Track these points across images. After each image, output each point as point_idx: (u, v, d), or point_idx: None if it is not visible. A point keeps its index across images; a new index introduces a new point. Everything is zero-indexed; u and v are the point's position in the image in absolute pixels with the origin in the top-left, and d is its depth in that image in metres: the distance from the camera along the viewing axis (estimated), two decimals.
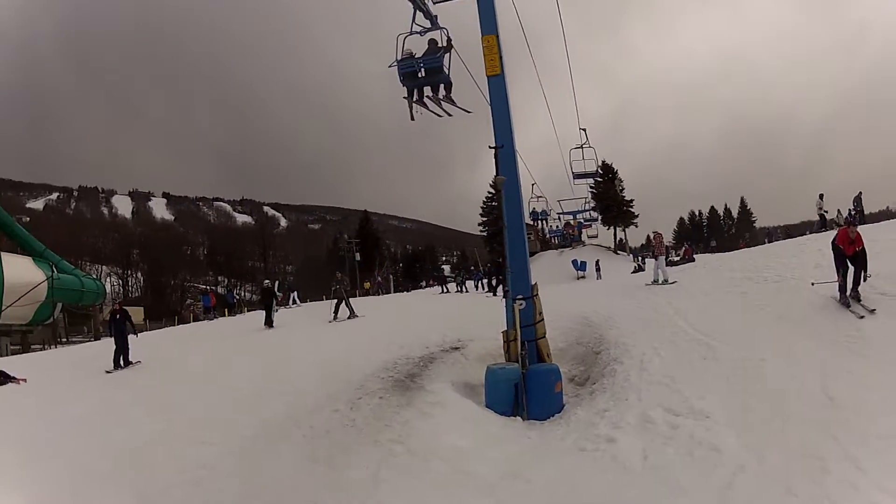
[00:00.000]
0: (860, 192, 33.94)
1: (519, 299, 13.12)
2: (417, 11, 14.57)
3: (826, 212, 34.27)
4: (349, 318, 25.98)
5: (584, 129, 38.60)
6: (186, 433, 11.81)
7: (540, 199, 68.49)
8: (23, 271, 38.37)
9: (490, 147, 13.67)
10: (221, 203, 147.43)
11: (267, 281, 33.46)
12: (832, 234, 16.39)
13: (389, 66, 14.35)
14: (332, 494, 8.87)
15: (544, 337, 13.55)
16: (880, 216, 47.43)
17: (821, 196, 34.29)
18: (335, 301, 26.67)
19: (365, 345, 17.14)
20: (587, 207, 69.63)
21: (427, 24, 14.73)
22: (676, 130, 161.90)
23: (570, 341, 15.81)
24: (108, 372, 19.80)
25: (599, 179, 72.01)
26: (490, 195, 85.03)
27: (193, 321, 49.61)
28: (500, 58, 13.84)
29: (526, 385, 12.18)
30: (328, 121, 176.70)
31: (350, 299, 27.30)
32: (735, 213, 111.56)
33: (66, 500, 9.62)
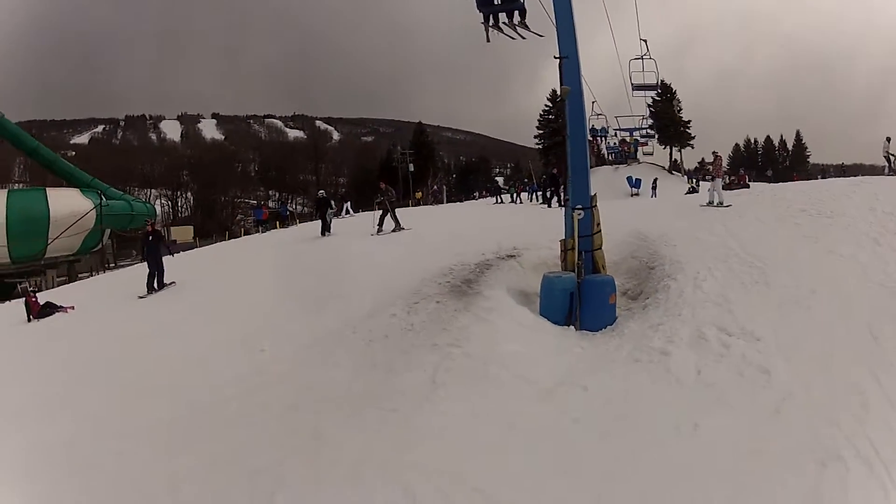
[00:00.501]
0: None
1: (578, 209, 13.54)
2: None
3: (894, 155, 33.87)
4: (394, 230, 25.43)
5: (646, 41, 38.17)
6: (241, 342, 12.66)
7: (599, 116, 67.86)
8: (70, 203, 39.83)
9: (555, 57, 14.02)
10: (273, 120, 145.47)
11: (322, 191, 34.11)
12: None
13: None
14: (389, 397, 9.47)
15: (601, 248, 14.13)
16: None
17: (888, 139, 33.83)
18: (380, 213, 26.15)
19: (421, 251, 17.84)
20: (644, 125, 69.29)
21: None
22: (738, 56, 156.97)
23: (625, 255, 16.26)
24: (140, 297, 20.60)
25: (658, 94, 71.63)
26: (547, 108, 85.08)
27: (245, 235, 50.64)
28: None
29: (581, 295, 12.73)
30: (386, 33, 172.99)
31: (397, 211, 26.63)
32: (790, 146, 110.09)
33: (116, 417, 10.44)
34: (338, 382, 10.21)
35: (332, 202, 33.50)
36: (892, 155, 34.10)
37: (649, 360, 10.40)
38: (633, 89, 22.05)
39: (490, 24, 15.20)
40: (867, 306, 11.65)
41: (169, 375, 11.92)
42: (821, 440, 7.88)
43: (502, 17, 15.17)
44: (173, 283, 21.25)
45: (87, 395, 11.76)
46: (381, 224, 25.68)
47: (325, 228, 29.03)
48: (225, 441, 8.93)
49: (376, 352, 11.05)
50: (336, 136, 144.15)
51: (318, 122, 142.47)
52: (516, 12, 15.04)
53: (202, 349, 13.01)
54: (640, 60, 27.57)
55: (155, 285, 21.05)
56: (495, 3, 15.01)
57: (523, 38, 15.63)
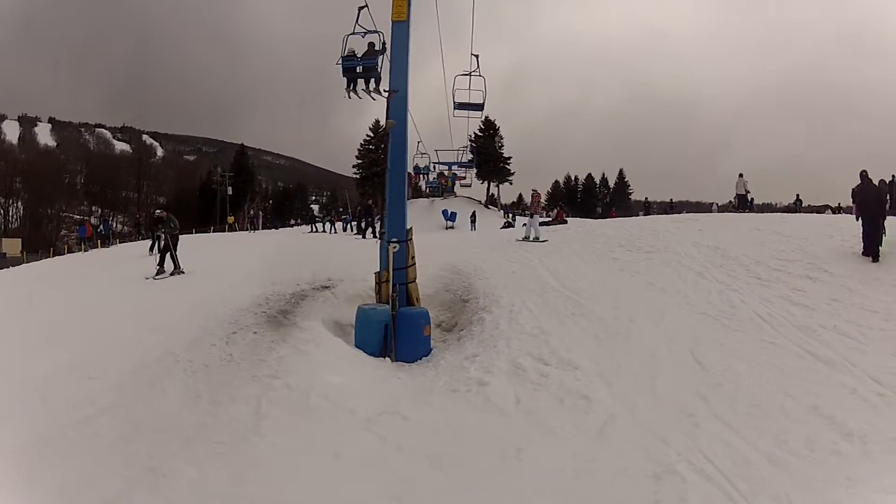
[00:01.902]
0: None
1: (393, 242, 13.90)
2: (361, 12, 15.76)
3: (747, 192, 36.57)
4: (173, 273, 20.93)
5: (477, 56, 38.45)
6: (71, 369, 12.09)
7: (423, 155, 69.42)
8: None
9: (384, 91, 14.75)
10: (103, 130, 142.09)
11: (158, 210, 33.15)
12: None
13: (336, 64, 16.16)
14: (216, 430, 9.25)
15: (415, 281, 14.44)
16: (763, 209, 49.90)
17: (741, 175, 36.46)
18: (161, 249, 21.62)
19: (237, 280, 17.61)
20: (464, 160, 70.92)
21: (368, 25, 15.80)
22: (569, 98, 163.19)
23: (439, 288, 16.71)
24: None
25: (481, 129, 74.41)
26: (368, 139, 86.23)
27: (68, 252, 48.86)
28: (409, 4, 14.76)
29: (396, 327, 13.06)
30: (219, 52, 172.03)
31: (176, 248, 21.41)
32: (612, 184, 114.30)
33: None
34: (165, 414, 9.87)
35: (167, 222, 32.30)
36: (748, 192, 36.78)
37: (467, 390, 10.71)
38: (455, 108, 21.61)
39: (350, 87, 16.50)
40: (690, 334, 12.45)
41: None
42: (651, 456, 8.25)
43: (361, 83, 16.36)
44: None
45: None
46: (161, 264, 21.04)
47: (153, 248, 26.41)
48: (70, 471, 8.39)
49: (199, 382, 10.80)
50: (160, 152, 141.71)
51: (144, 136, 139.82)
52: (372, 80, 16.12)
53: (36, 377, 12.47)
54: (468, 77, 27.36)
55: None
56: (357, 70, 16.10)
57: (374, 99, 16.48)
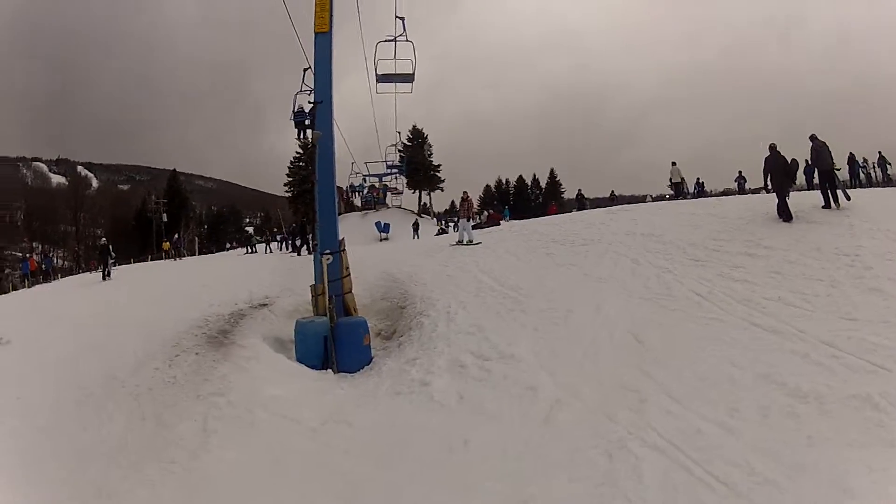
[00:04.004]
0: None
1: (326, 254, 14.02)
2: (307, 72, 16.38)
3: (683, 180, 37.98)
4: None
5: (402, 18, 37.96)
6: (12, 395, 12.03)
7: (357, 174, 72.15)
8: None
9: (309, 102, 15.05)
10: (39, 163, 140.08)
11: (104, 239, 36.25)
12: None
13: (289, 119, 17.73)
14: (165, 450, 9.26)
15: (350, 292, 14.54)
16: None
17: (673, 163, 37.99)
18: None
19: (176, 302, 17.45)
20: (393, 171, 71.52)
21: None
22: (494, 101, 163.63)
23: (375, 297, 16.83)
24: None
25: (409, 139, 74.90)
26: (298, 155, 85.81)
27: (13, 290, 48.40)
28: (331, 16, 14.97)
29: (335, 338, 13.12)
30: (145, 76, 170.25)
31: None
32: (543, 184, 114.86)
33: None
34: (113, 436, 9.89)
35: (111, 249, 33.71)
36: (683, 179, 37.96)
37: (410, 392, 10.85)
38: (378, 81, 19.50)
39: (299, 135, 17.97)
40: (629, 318, 12.64)
41: None
42: (601, 435, 8.40)
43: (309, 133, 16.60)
44: None
45: None
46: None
47: (106, 275, 30.65)
48: (19, 498, 8.42)
49: (144, 405, 10.72)
50: (95, 183, 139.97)
51: (79, 168, 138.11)
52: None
53: None
54: (393, 43, 24.37)
55: None
56: (306, 123, 16.97)
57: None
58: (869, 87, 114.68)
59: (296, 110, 17.42)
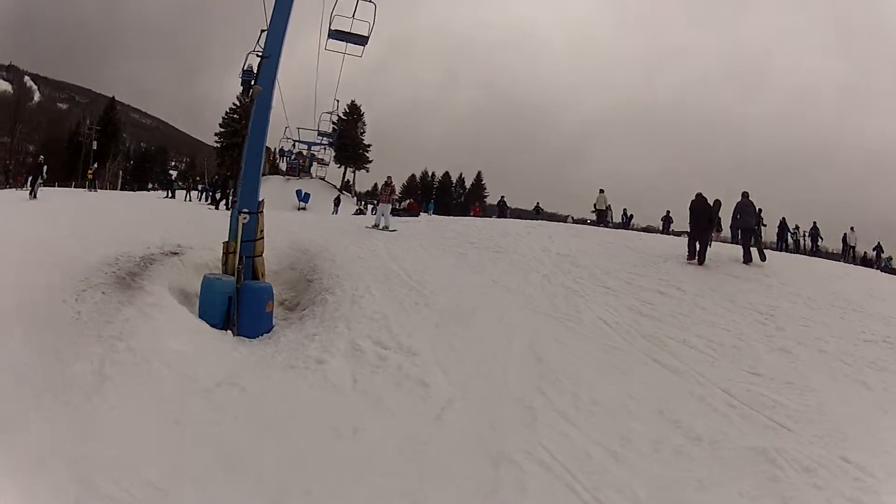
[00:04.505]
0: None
1: (244, 213, 13.80)
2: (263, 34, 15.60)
3: (608, 208, 38.87)
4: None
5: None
6: None
7: (289, 140, 70.55)
8: None
9: (258, 55, 14.60)
10: None
11: (42, 157, 35.45)
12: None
13: (238, 76, 16.39)
14: (63, 388, 8.98)
15: (262, 255, 14.35)
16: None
17: (601, 191, 38.46)
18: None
19: (92, 235, 16.76)
20: (324, 142, 71.11)
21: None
22: (438, 90, 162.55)
23: (284, 265, 16.72)
24: None
25: (345, 113, 74.67)
26: (234, 107, 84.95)
27: None
28: None
29: (239, 300, 12.89)
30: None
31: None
32: (468, 184, 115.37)
33: None
34: (14, 366, 9.40)
35: (45, 169, 33.72)
36: (608, 207, 38.89)
37: (305, 367, 10.71)
38: (329, 37, 18.13)
39: (244, 93, 16.43)
40: (531, 332, 12.72)
41: None
42: (489, 444, 8.39)
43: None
44: None
45: None
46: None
47: (33, 193, 30.90)
48: None
49: (47, 338, 10.24)
50: (37, 96, 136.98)
51: (26, 78, 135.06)
52: None
53: None
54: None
55: None
56: (252, 82, 15.74)
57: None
58: (825, 151, 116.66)
59: (245, 68, 16.55)
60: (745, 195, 20.87)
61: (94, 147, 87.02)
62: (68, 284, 12.55)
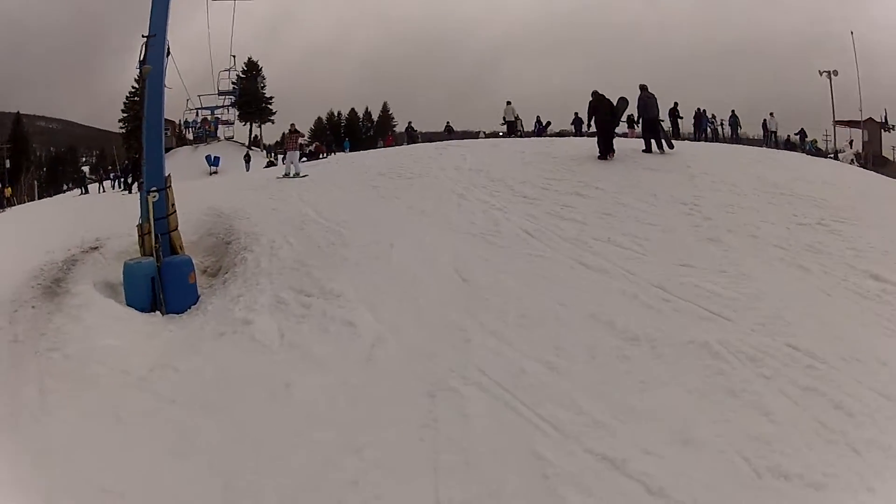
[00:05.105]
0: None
1: (153, 192, 13.57)
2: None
3: (517, 118, 38.52)
4: None
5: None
6: None
7: (191, 111, 69.23)
8: None
9: (143, 36, 14.15)
10: None
11: None
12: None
13: (136, 67, 15.66)
14: (10, 417, 8.89)
15: (177, 229, 14.20)
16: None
17: (508, 102, 38.20)
18: None
19: (15, 252, 16.45)
20: (226, 103, 70.76)
21: None
22: (334, 33, 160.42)
23: (202, 233, 16.45)
24: None
25: (243, 71, 74.17)
26: (133, 90, 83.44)
27: None
28: None
29: (162, 279, 12.72)
30: None
31: None
32: (375, 118, 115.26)
33: None
34: None
35: None
36: (517, 117, 38.56)
37: (233, 332, 10.66)
38: None
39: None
40: (453, 253, 12.71)
41: None
42: (423, 376, 8.39)
43: None
44: None
45: None
46: None
47: None
48: None
49: None
50: None
51: None
52: None
53: None
54: None
55: None
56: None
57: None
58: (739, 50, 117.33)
59: (141, 58, 15.43)
60: (643, 88, 21.27)
61: (7, 166, 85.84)
62: (1, 309, 12.33)
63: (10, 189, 62.04)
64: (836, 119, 50.36)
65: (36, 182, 63.36)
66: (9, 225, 26.66)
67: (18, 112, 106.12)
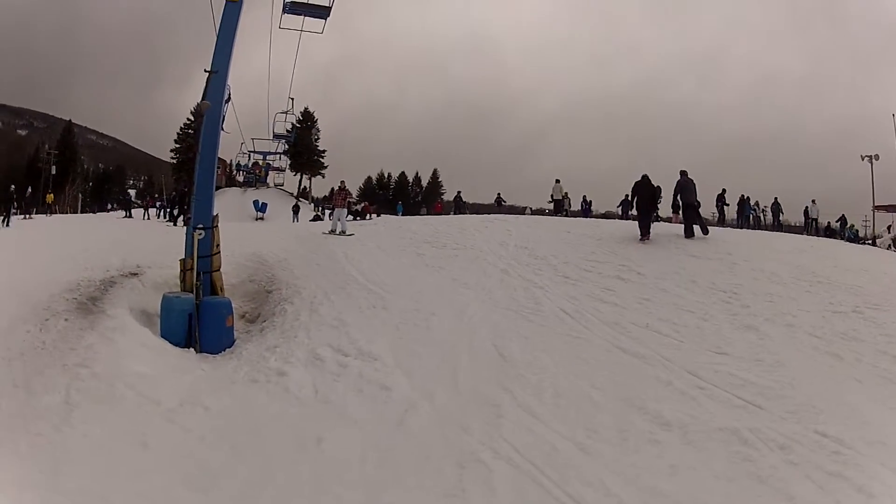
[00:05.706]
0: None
1: (199, 228, 13.74)
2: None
3: (565, 197, 39.95)
4: None
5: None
6: None
7: (244, 154, 71.98)
8: None
9: (205, 71, 14.30)
10: None
11: (13, 186, 37.98)
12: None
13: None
14: (33, 421, 9.01)
15: (219, 270, 14.29)
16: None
17: (557, 180, 39.56)
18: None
19: (54, 263, 16.64)
20: (278, 150, 71.13)
21: None
22: (392, 94, 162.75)
23: (243, 278, 16.56)
24: None
25: (298, 121, 74.43)
26: (188, 123, 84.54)
27: None
28: None
29: (199, 317, 12.80)
30: (60, 17, 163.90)
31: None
32: (425, 183, 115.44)
33: None
34: None
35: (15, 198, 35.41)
36: (565, 196, 39.99)
37: (267, 381, 10.72)
38: (285, 10, 18.06)
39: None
40: (492, 328, 12.74)
41: None
42: (454, 445, 8.41)
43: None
44: None
45: None
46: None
47: (7, 222, 33.63)
48: None
49: (16, 371, 10.36)
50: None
51: None
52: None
53: None
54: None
55: None
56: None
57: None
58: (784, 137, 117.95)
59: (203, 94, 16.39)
60: (683, 173, 21.62)
61: (53, 172, 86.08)
62: (31, 315, 12.51)
63: (51, 195, 62.18)
64: (876, 204, 50.52)
65: (80, 195, 63.84)
66: (50, 233, 27.59)
67: (70, 120, 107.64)
